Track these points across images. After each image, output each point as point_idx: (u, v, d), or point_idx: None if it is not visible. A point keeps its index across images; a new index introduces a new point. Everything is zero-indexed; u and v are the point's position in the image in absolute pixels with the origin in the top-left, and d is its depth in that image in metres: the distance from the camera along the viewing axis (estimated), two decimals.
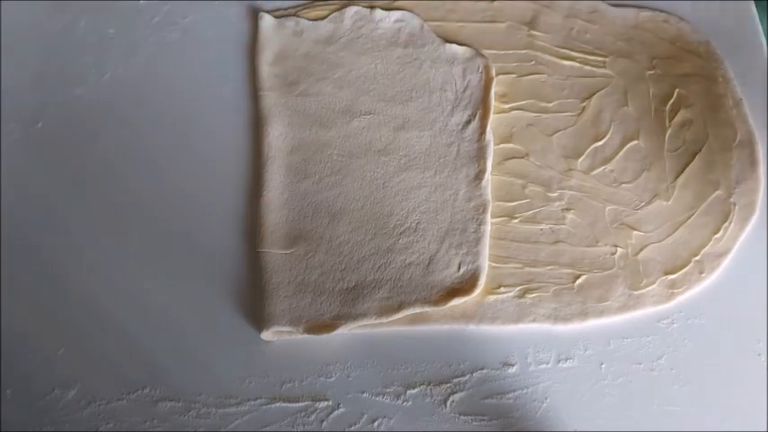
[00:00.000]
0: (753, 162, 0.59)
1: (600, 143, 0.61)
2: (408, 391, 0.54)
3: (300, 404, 0.54)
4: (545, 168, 0.60)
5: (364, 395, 0.54)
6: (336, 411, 0.54)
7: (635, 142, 0.60)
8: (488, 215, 0.58)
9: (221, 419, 0.54)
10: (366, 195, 0.59)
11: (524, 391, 0.53)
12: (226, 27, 0.67)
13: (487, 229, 0.57)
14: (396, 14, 0.65)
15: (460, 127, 0.61)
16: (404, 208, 0.58)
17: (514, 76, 0.63)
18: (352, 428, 0.53)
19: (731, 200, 0.58)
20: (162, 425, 0.54)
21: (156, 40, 0.66)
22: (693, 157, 0.60)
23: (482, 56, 0.63)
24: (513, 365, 0.54)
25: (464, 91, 0.62)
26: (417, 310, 0.55)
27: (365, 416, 0.53)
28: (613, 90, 0.63)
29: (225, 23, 0.67)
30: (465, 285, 0.55)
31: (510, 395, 0.53)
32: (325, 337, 0.55)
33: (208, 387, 0.55)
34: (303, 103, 0.62)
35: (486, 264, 0.56)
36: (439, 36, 0.65)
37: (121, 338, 0.56)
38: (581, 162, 0.60)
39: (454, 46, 0.64)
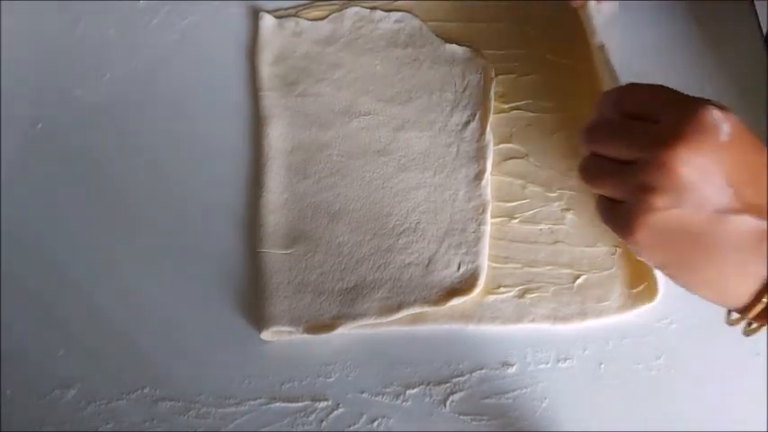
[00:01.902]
0: None
1: None
2: (408, 391, 0.54)
3: (300, 404, 0.54)
4: (544, 168, 0.60)
5: (364, 395, 0.54)
6: (336, 411, 0.54)
7: None
8: (488, 215, 0.58)
9: (221, 419, 0.54)
10: (365, 195, 0.59)
11: (523, 390, 0.53)
12: (226, 27, 0.67)
13: (487, 229, 0.57)
14: (395, 15, 0.65)
15: (460, 127, 0.61)
16: (403, 208, 0.58)
17: (514, 76, 0.63)
18: (352, 428, 0.53)
19: None
20: (162, 425, 0.54)
21: (156, 41, 0.66)
22: None
23: (481, 56, 0.63)
24: (512, 365, 0.54)
25: (463, 91, 0.62)
26: (417, 310, 0.55)
27: (365, 416, 0.54)
28: None
29: (225, 24, 0.67)
30: (465, 285, 0.55)
31: (509, 395, 0.53)
32: (324, 337, 0.55)
33: (208, 387, 0.55)
34: (303, 104, 0.62)
35: (485, 264, 0.56)
36: (438, 36, 0.65)
37: (121, 338, 0.56)
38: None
39: (454, 46, 0.64)
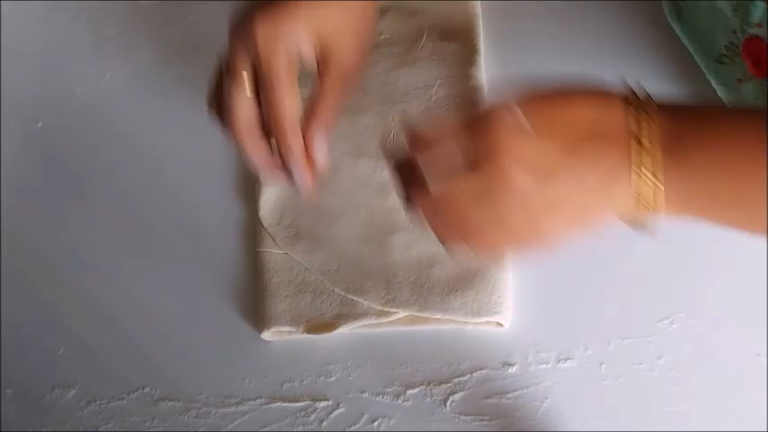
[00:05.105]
0: None
1: None
2: (408, 391, 0.54)
3: (300, 404, 0.54)
4: None
5: (364, 395, 0.54)
6: (336, 411, 0.54)
7: None
8: None
9: (221, 419, 0.54)
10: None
11: (524, 391, 0.53)
12: (225, 27, 0.66)
13: None
14: None
15: None
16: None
17: None
18: (352, 428, 0.53)
19: None
20: (162, 425, 0.54)
21: (156, 41, 0.66)
22: None
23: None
24: (513, 365, 0.54)
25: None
26: (417, 310, 0.55)
27: (365, 416, 0.54)
28: None
29: (224, 24, 0.66)
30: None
31: (510, 395, 0.53)
32: (325, 337, 0.55)
33: (208, 387, 0.55)
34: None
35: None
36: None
37: (121, 338, 0.56)
38: None
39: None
